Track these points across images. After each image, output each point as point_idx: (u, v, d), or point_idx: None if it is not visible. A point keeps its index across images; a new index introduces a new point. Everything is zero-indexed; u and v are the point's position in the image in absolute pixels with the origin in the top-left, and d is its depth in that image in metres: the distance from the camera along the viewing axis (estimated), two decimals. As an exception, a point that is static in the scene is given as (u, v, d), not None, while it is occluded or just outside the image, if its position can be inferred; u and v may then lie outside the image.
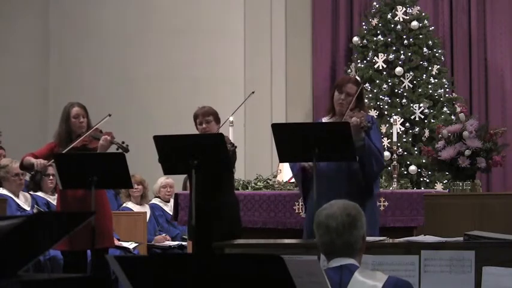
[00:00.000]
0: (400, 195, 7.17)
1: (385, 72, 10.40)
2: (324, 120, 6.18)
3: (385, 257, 4.57)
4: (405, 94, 10.29)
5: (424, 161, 9.59)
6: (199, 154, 6.02)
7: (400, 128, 9.74)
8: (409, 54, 10.37)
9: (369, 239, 4.64)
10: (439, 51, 10.48)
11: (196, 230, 6.19)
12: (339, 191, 5.64)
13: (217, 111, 6.65)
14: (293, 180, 7.79)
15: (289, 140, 5.85)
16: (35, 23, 11.67)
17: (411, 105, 10.20)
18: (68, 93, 10.67)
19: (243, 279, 2.57)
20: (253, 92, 6.62)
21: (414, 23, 10.39)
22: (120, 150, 6.52)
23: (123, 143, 6.51)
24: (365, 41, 10.56)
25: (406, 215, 7.07)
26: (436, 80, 10.33)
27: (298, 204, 7.30)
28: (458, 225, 6.46)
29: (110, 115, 6.76)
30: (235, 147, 6.38)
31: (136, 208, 9.49)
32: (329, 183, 5.87)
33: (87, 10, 11.65)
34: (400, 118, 9.76)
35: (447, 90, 10.40)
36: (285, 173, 7.92)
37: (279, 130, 5.96)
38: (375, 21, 10.55)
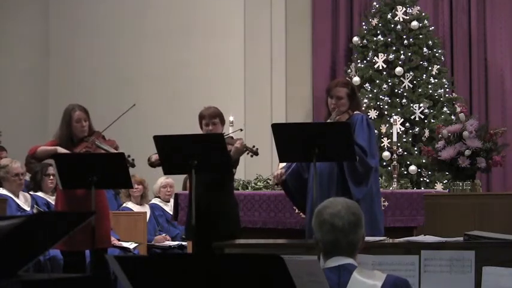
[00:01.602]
0: (400, 195, 7.17)
1: (385, 72, 10.40)
2: None
3: (385, 257, 4.57)
4: (405, 94, 10.28)
5: (424, 161, 9.59)
6: (199, 154, 6.02)
7: (400, 128, 9.74)
8: (409, 54, 10.37)
9: (369, 239, 4.65)
10: (439, 51, 10.47)
11: (196, 230, 6.19)
12: (332, 192, 5.70)
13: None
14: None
15: (289, 140, 5.86)
16: (35, 23, 11.66)
17: (411, 105, 10.20)
18: (68, 93, 10.67)
19: (243, 279, 2.57)
20: (241, 129, 6.67)
21: (414, 23, 10.38)
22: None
23: (128, 156, 6.46)
24: (365, 41, 10.55)
25: (406, 215, 7.07)
26: (436, 80, 10.33)
27: (298, 204, 7.29)
28: (458, 225, 6.47)
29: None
30: (257, 149, 6.30)
31: (136, 208, 9.48)
32: (322, 185, 5.91)
33: (86, 10, 11.64)
34: (400, 118, 9.76)
35: (447, 90, 10.40)
36: (285, 173, 7.91)
37: (279, 130, 5.96)
38: (375, 21, 10.55)
